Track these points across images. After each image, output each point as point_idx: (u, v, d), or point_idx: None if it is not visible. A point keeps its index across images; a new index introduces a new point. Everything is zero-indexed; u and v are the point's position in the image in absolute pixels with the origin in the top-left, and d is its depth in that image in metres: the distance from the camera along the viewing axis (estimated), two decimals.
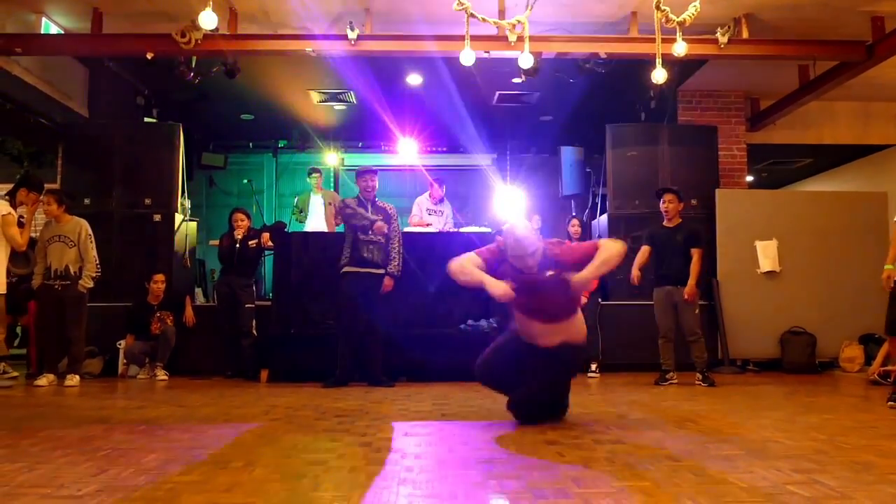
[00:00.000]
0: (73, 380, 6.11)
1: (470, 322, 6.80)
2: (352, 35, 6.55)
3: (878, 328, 7.33)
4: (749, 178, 9.68)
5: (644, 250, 6.27)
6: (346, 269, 6.07)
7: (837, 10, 6.58)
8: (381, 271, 6.09)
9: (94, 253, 6.37)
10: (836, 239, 7.74)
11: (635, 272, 6.19)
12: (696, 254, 6.08)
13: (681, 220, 6.30)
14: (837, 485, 2.39)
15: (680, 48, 5.67)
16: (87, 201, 7.45)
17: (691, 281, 6.02)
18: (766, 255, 7.76)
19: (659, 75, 5.76)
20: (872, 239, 7.77)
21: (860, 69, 7.19)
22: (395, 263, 6.14)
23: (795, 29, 6.95)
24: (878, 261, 7.76)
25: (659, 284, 6.24)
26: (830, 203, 8.08)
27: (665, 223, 6.31)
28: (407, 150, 10.80)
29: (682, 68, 8.02)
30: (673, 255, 6.14)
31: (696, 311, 6.19)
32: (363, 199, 6.22)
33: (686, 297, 6.02)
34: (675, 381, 6.06)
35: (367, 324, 6.06)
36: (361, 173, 6.32)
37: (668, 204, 6.26)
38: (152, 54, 6.72)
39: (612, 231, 8.08)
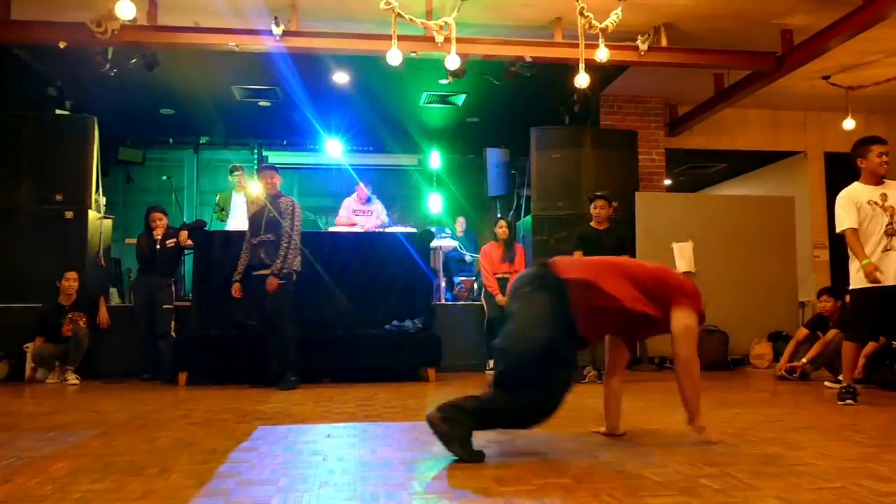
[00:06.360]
0: None
1: (395, 322, 6.77)
2: (277, 31, 6.43)
3: (785, 326, 7.73)
4: (667, 182, 9.98)
5: (578, 256, 6.11)
6: (240, 272, 6.10)
7: (750, 23, 6.86)
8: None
9: None
10: (747, 241, 8.06)
11: None
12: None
13: (609, 224, 6.43)
14: (746, 476, 2.49)
15: (602, 54, 5.82)
16: None
17: None
18: (683, 256, 8.01)
19: (582, 80, 5.89)
20: (781, 241, 8.16)
21: (771, 79, 7.53)
22: (280, 262, 5.86)
23: (711, 39, 7.22)
24: (786, 262, 8.21)
25: None
26: (743, 207, 8.42)
27: (595, 225, 6.40)
28: (332, 149, 10.69)
29: (604, 74, 8.20)
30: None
31: None
32: (267, 195, 6.16)
33: None
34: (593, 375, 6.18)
35: (273, 325, 5.93)
36: (261, 170, 6.36)
37: (599, 210, 6.36)
38: (65, 44, 6.43)
39: (537, 232, 8.20)
